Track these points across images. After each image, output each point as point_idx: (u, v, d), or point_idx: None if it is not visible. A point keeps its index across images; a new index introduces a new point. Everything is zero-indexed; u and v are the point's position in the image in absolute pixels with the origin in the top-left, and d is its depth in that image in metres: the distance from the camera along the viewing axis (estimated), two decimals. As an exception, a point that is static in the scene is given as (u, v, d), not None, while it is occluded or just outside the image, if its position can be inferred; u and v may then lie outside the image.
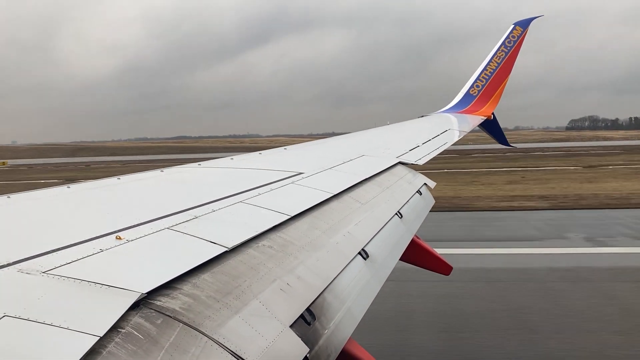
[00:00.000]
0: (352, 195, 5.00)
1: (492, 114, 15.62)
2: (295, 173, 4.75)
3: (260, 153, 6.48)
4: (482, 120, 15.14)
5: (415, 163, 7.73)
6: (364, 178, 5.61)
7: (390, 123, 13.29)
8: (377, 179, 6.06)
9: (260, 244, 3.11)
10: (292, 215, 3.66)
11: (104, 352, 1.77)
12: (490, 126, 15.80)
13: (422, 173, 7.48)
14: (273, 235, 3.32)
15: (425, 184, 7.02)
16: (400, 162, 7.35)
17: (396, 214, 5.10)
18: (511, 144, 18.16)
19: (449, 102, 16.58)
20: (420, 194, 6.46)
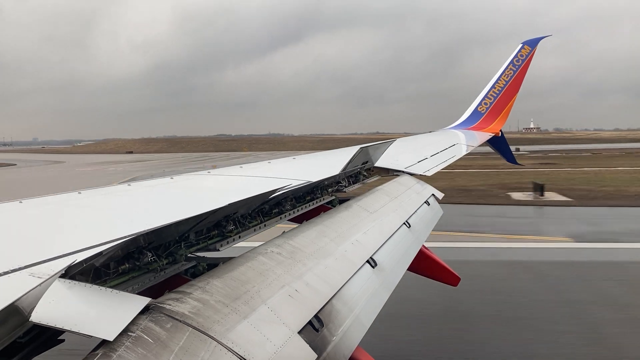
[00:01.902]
0: (360, 204, 5.00)
1: (500, 131, 15.73)
2: (304, 182, 4.77)
3: (269, 162, 6.51)
4: (490, 137, 15.25)
5: (424, 174, 7.73)
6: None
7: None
8: (385, 188, 6.06)
9: (269, 250, 3.12)
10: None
11: (114, 356, 1.78)
12: (498, 143, 15.91)
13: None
14: (282, 242, 3.33)
15: (433, 194, 7.01)
16: (408, 173, 7.36)
17: (404, 223, 5.09)
18: (518, 162, 18.07)
19: (460, 117, 16.72)
20: (429, 204, 6.44)
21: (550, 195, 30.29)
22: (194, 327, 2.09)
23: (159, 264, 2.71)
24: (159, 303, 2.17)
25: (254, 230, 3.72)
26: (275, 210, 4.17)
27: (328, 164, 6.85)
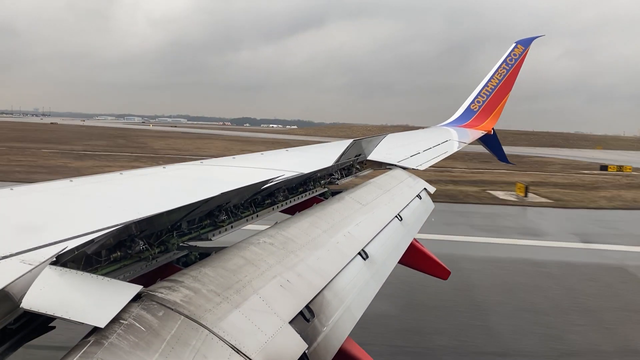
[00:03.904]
0: (352, 196, 5.02)
1: (492, 129, 15.82)
2: (297, 173, 4.77)
3: (262, 153, 6.51)
4: (482, 135, 15.33)
5: (416, 168, 7.76)
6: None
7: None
8: (378, 181, 6.08)
9: (261, 240, 3.12)
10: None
11: (106, 343, 1.78)
12: (490, 141, 15.97)
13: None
14: (274, 232, 3.34)
15: (425, 188, 7.04)
16: (401, 167, 7.38)
17: (396, 216, 5.11)
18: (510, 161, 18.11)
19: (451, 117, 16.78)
20: (420, 198, 6.47)
21: None
22: (186, 316, 2.09)
23: (151, 252, 2.70)
24: (150, 291, 2.17)
25: (247, 220, 3.72)
26: (267, 201, 4.17)
27: (321, 157, 6.85)
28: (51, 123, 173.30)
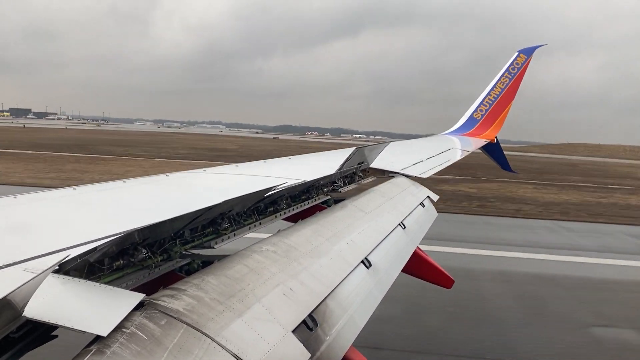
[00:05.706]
0: (355, 204, 5.01)
1: (495, 137, 15.84)
2: (300, 181, 4.77)
3: (265, 161, 6.53)
4: (485, 143, 15.35)
5: (419, 176, 7.75)
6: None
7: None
8: (381, 189, 6.07)
9: (264, 248, 3.12)
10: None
11: (109, 352, 1.77)
12: (493, 150, 16.00)
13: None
14: (277, 240, 3.33)
15: (428, 196, 7.02)
16: (403, 175, 7.37)
17: (399, 224, 5.10)
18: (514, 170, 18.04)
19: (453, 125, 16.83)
20: (424, 206, 6.46)
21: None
22: (189, 324, 2.08)
23: (154, 260, 2.70)
24: (153, 299, 2.16)
25: (249, 228, 3.71)
26: (270, 209, 4.16)
27: (324, 164, 6.85)
28: (274, 138, 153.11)
